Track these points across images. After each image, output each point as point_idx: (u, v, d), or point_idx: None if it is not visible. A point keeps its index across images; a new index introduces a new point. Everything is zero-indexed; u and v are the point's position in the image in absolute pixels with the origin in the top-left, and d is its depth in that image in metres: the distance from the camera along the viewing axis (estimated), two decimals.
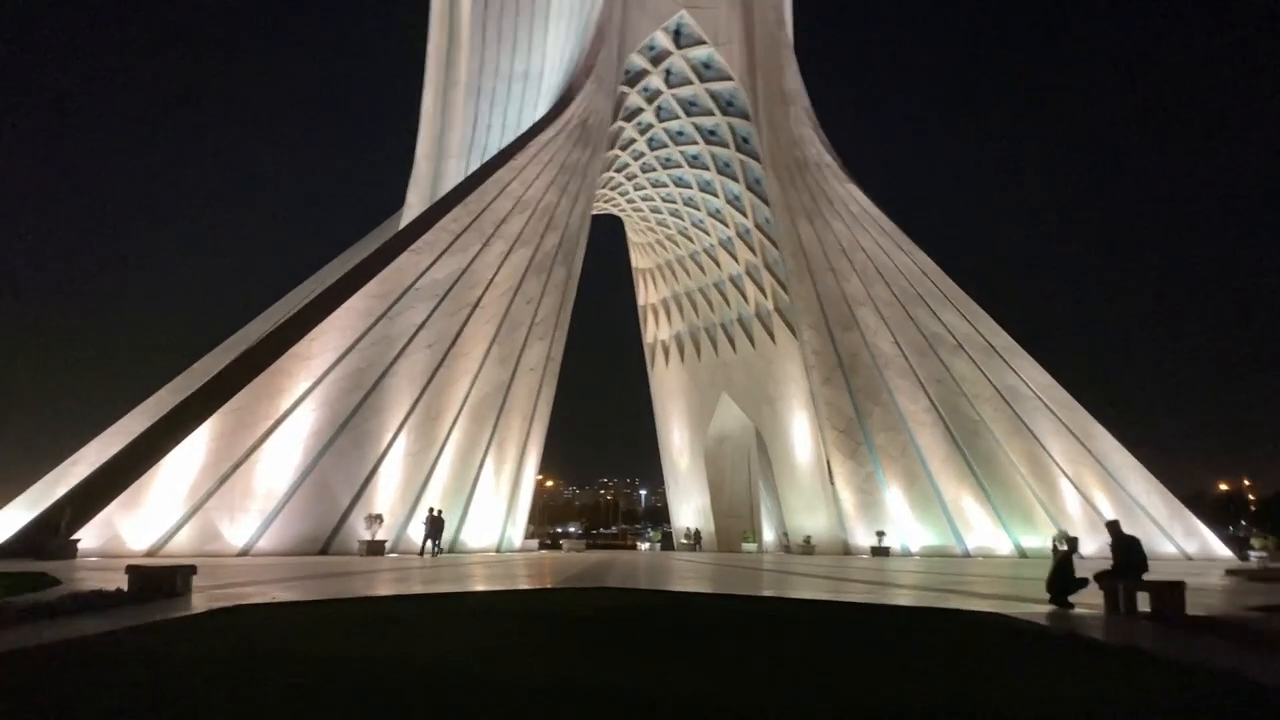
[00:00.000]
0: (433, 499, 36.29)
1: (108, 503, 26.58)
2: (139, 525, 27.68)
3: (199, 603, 11.75)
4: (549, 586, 15.05)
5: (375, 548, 32.21)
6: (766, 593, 15.19)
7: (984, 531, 49.95)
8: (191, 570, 13.37)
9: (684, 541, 61.51)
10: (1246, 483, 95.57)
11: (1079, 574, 13.13)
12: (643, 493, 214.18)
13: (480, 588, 14.92)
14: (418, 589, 14.33)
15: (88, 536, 25.96)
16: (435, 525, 32.54)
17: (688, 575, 20.84)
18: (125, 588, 12.33)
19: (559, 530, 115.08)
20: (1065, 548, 13.65)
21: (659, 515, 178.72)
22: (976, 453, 51.09)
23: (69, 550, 24.45)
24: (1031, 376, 53.21)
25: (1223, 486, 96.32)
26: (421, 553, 32.19)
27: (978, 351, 52.95)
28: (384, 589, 14.34)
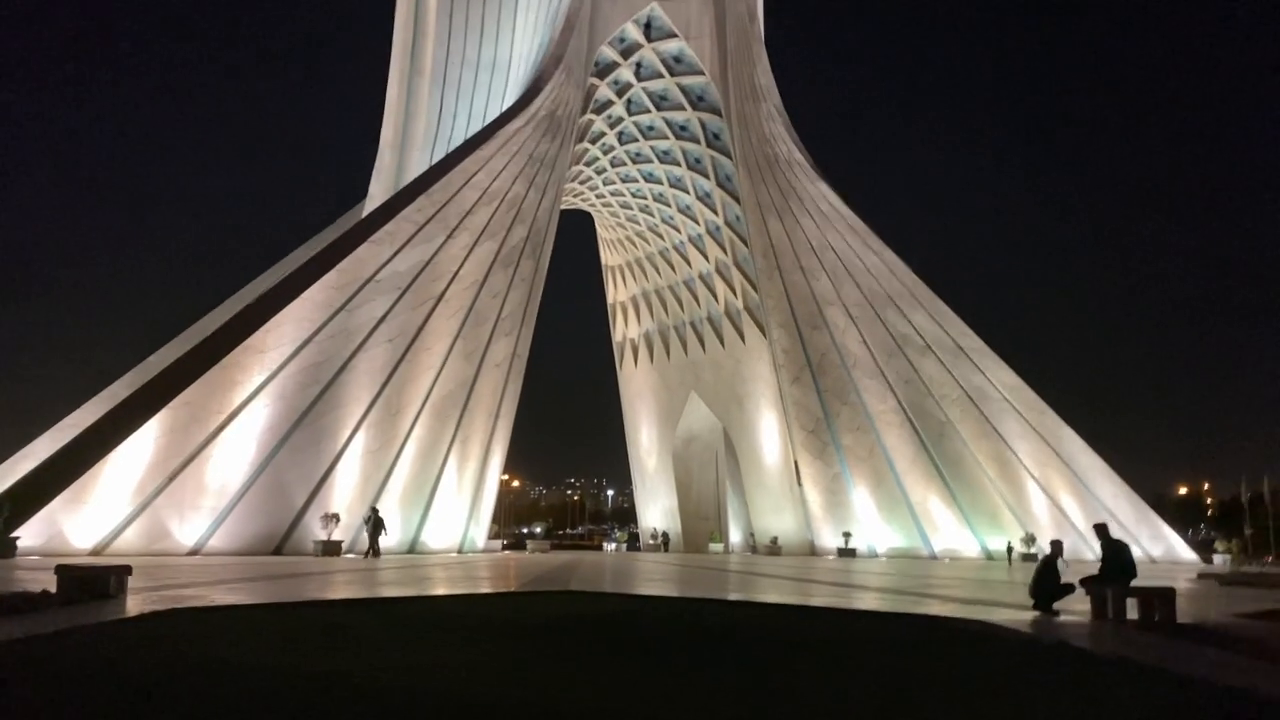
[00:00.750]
0: (393, 498, 35.29)
1: (50, 499, 25.40)
2: (84, 523, 26.52)
3: (132, 606, 10.90)
4: (509, 590, 14.31)
5: (331, 548, 31.18)
6: (733, 596, 14.56)
7: (950, 533, 49.77)
8: (126, 570, 12.47)
9: (650, 542, 60.88)
10: (1206, 486, 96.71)
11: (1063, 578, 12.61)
12: (610, 493, 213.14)
13: (436, 591, 14.15)
14: (367, 593, 13.53)
15: (29, 534, 24.78)
16: (375, 525, 31.00)
17: (653, 577, 20.17)
18: (54, 589, 11.43)
19: (524, 531, 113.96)
20: (1050, 551, 12.99)
21: (626, 516, 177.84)
22: (944, 454, 50.90)
23: (7, 549, 23.30)
24: (999, 378, 53.12)
25: (1182, 490, 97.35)
26: (366, 554, 30.71)
27: (946, 353, 52.77)
28: (332, 592, 13.53)
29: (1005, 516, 50.05)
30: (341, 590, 13.88)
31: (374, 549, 30.52)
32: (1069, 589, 12.39)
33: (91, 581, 11.96)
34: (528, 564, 27.83)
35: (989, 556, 48.47)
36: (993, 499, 50.65)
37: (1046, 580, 12.58)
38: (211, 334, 32.91)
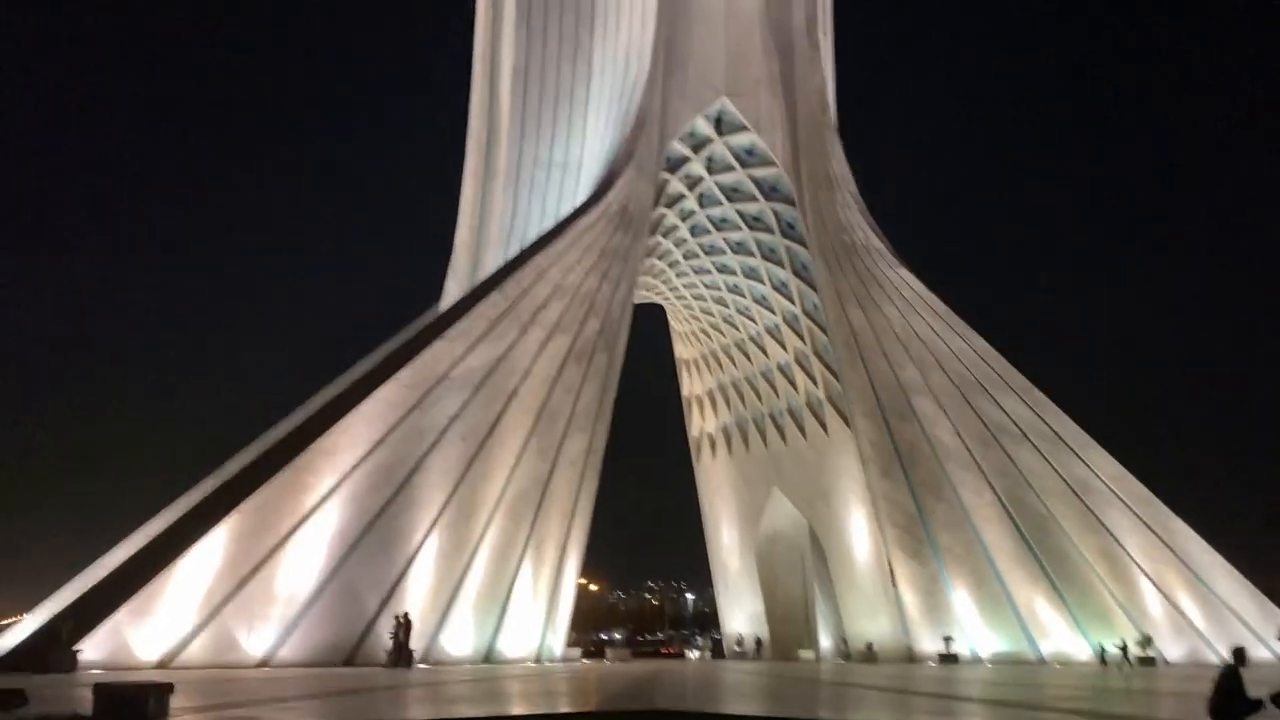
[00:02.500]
0: (466, 603, 33.80)
1: (113, 611, 24.56)
2: (150, 634, 25.59)
3: None
4: (592, 710, 12.62)
5: (404, 658, 29.69)
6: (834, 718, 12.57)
7: (1059, 636, 46.14)
8: (168, 689, 11.16)
9: (736, 649, 57.82)
10: None
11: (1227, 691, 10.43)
12: (690, 596, 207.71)
13: (513, 711, 12.52)
14: (438, 713, 11.97)
15: (94, 648, 23.93)
16: (406, 631, 29.09)
17: (744, 692, 18.18)
18: (90, 709, 10.18)
19: (602, 637, 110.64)
20: (1231, 660, 10.74)
21: (707, 620, 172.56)
22: (1048, 550, 47.62)
23: (69, 662, 22.40)
24: (1102, 468, 49.91)
25: None
26: (395, 664, 28.43)
27: (1044, 441, 49.91)
28: (401, 713, 12.01)
29: (1117, 617, 46.28)
30: (413, 710, 12.36)
31: (404, 658, 28.63)
32: (1256, 706, 10.25)
33: (128, 702, 10.67)
34: (608, 675, 25.90)
35: (1103, 660, 44.66)
36: (1103, 598, 46.97)
37: (1232, 696, 10.44)
38: (284, 436, 32.41)
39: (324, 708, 12.66)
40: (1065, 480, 49.05)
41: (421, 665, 30.20)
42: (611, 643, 57.11)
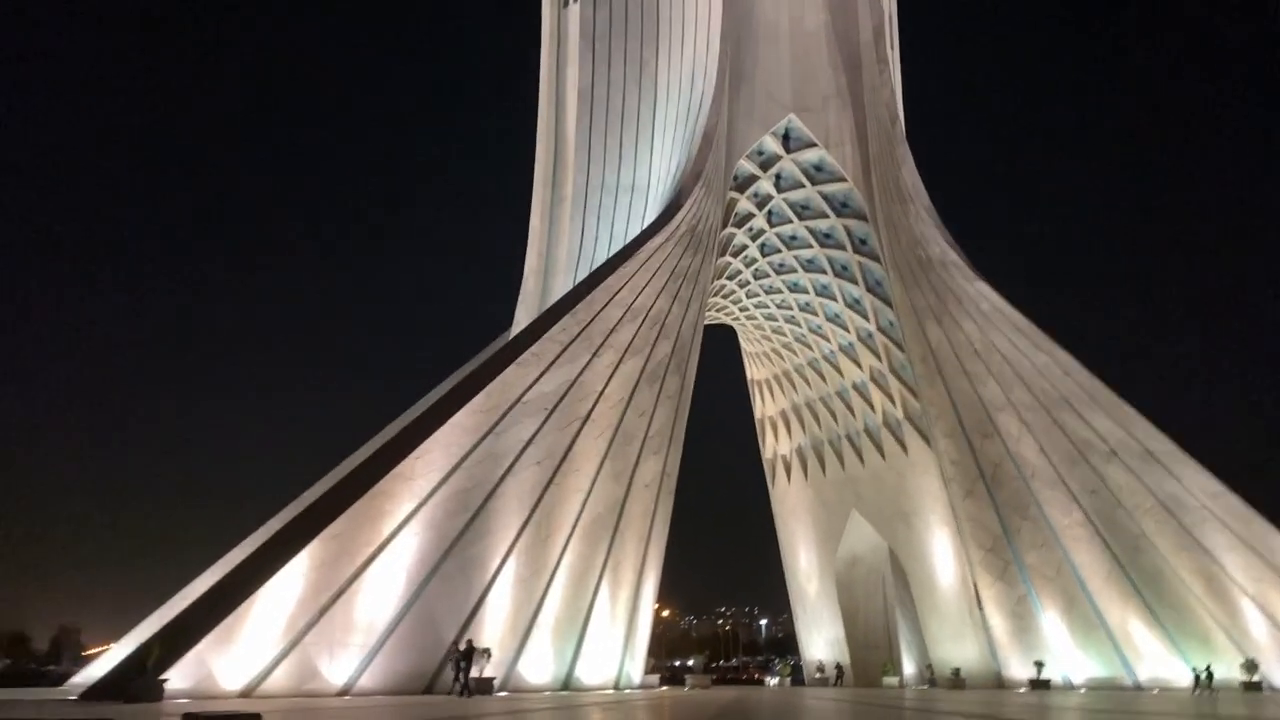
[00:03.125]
0: (545, 630, 33.44)
1: (198, 640, 24.69)
2: (233, 663, 25.67)
3: None
4: None
5: (484, 686, 29.39)
6: None
7: (1156, 660, 44.07)
8: (255, 719, 10.97)
9: (816, 675, 56.45)
10: None
11: None
12: (763, 622, 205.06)
13: None
14: None
15: (179, 676, 24.03)
16: (468, 658, 28.06)
17: None
18: None
19: (677, 664, 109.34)
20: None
21: (782, 646, 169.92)
22: (1141, 571, 45.61)
23: (156, 691, 22.52)
24: (1198, 484, 47.54)
25: None
26: (461, 692, 27.49)
27: (1134, 458, 47.84)
28: None
29: (1218, 639, 44.09)
30: None
31: (467, 686, 27.69)
32: None
33: None
34: (691, 704, 25.23)
35: (1207, 686, 42.45)
36: (1202, 620, 44.80)
37: None
38: (361, 464, 32.53)
39: None
40: (1157, 498, 46.99)
41: (501, 694, 29.87)
42: (689, 670, 56.04)
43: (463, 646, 28.45)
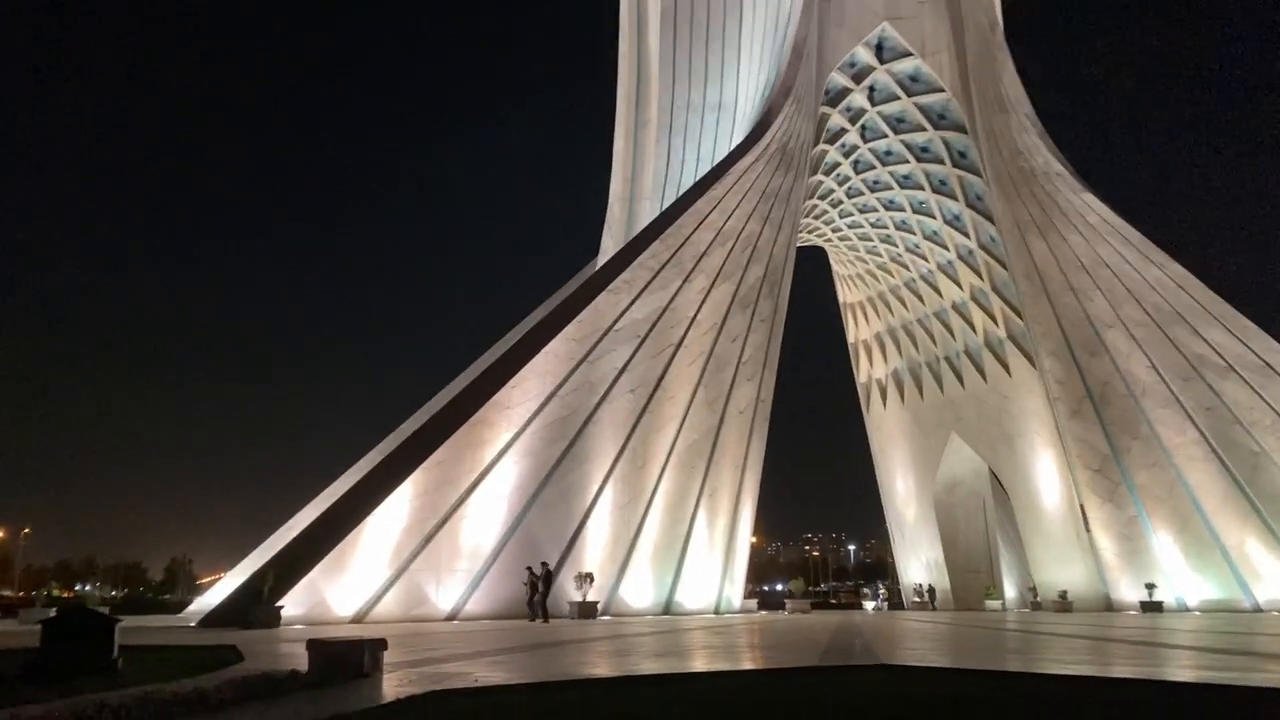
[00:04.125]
0: (644, 555, 33.58)
1: (310, 568, 25.34)
2: (344, 591, 26.35)
3: (388, 687, 9.21)
4: (815, 665, 11.66)
5: (587, 609, 29.72)
6: (1117, 670, 11.13)
7: (1276, 581, 42.32)
8: (382, 645, 10.89)
9: (915, 600, 55.93)
10: None
11: None
12: (851, 548, 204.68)
13: (726, 666, 11.74)
14: (652, 667, 11.31)
15: (293, 603, 24.75)
16: (546, 582, 28.01)
17: (965, 644, 16.86)
18: (304, 667, 9.97)
19: (771, 589, 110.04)
20: None
21: (870, 572, 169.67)
22: (1260, 490, 43.63)
23: (273, 618, 23.20)
24: None
25: None
26: (535, 617, 27.56)
27: (1253, 373, 45.46)
28: (608, 667, 11.41)
29: None
30: (619, 663, 11.76)
31: (544, 612, 27.61)
32: None
33: (344, 659, 10.43)
34: (798, 627, 24.98)
35: None
36: None
37: None
38: (460, 392, 32.74)
39: (530, 663, 12.22)
40: (1278, 413, 44.72)
41: (604, 617, 30.15)
42: (781, 594, 55.77)
43: (539, 571, 28.38)
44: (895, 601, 62.60)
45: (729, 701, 8.36)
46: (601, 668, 11.33)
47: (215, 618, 23.97)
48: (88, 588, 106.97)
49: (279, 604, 23.35)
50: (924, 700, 8.24)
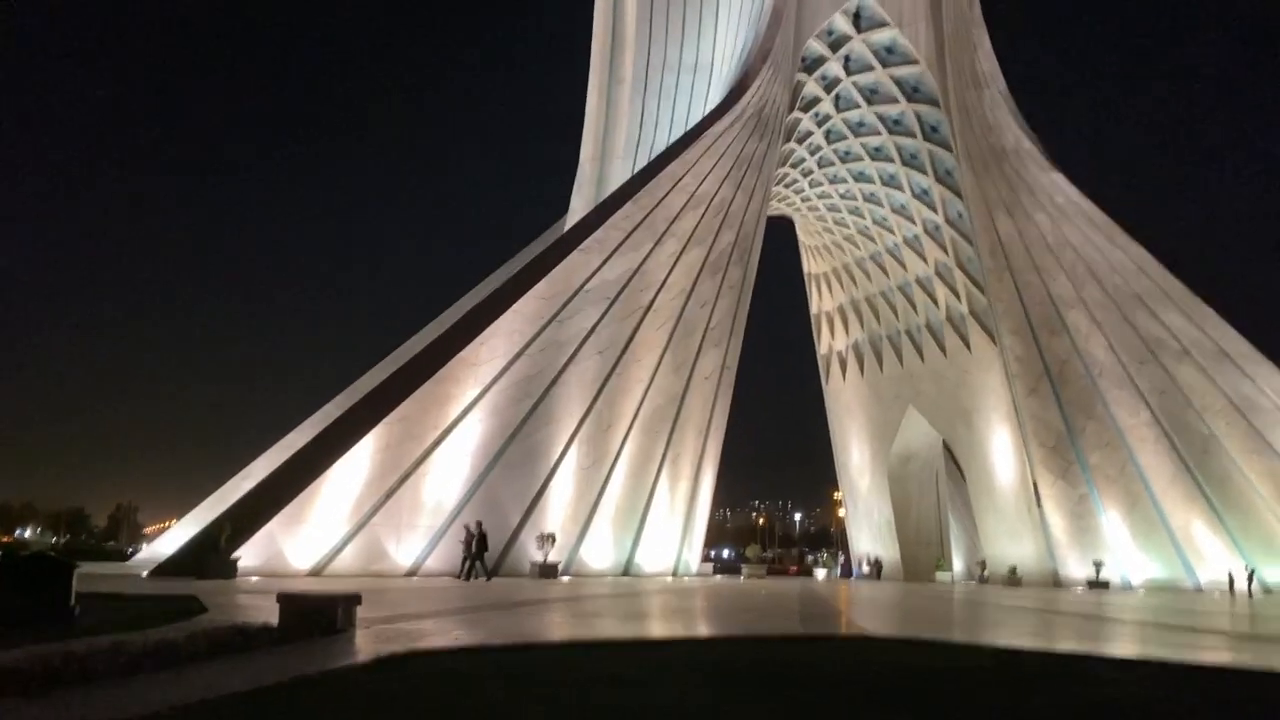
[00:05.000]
0: (605, 517, 33.46)
1: (268, 519, 24.77)
2: (302, 543, 25.84)
3: (364, 644, 8.88)
4: (792, 635, 11.53)
5: (548, 570, 29.51)
6: (1111, 649, 11.16)
7: (1218, 562, 43.53)
8: (355, 600, 10.56)
9: (865, 570, 56.64)
10: None
11: None
12: (797, 516, 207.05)
13: (713, 631, 11.57)
14: (635, 631, 11.10)
15: (249, 555, 24.21)
16: (481, 542, 26.43)
17: (927, 615, 16.96)
18: (275, 621, 9.58)
19: (713, 554, 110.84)
20: None
21: (815, 540, 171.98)
22: (1208, 473, 44.74)
23: (229, 569, 22.65)
24: (1273, 385, 46.26)
25: None
26: (468, 576, 25.92)
27: (1207, 358, 46.43)
28: (589, 629, 11.18)
29: None
30: (596, 625, 11.54)
31: (482, 569, 26.18)
32: None
33: (317, 613, 10.07)
34: (762, 592, 25.04)
35: (1266, 590, 42.00)
36: (1267, 523, 44.18)
37: None
38: (426, 347, 32.12)
39: (504, 622, 11.95)
40: (1230, 398, 45.80)
41: (564, 578, 30.00)
42: (746, 560, 56.08)
43: (474, 530, 26.70)
44: (845, 570, 63.34)
45: (727, 667, 8.17)
46: (583, 630, 11.10)
47: (168, 567, 23.34)
48: (27, 533, 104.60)
49: (235, 555, 22.79)
50: (919, 669, 8.12)
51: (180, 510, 38.58)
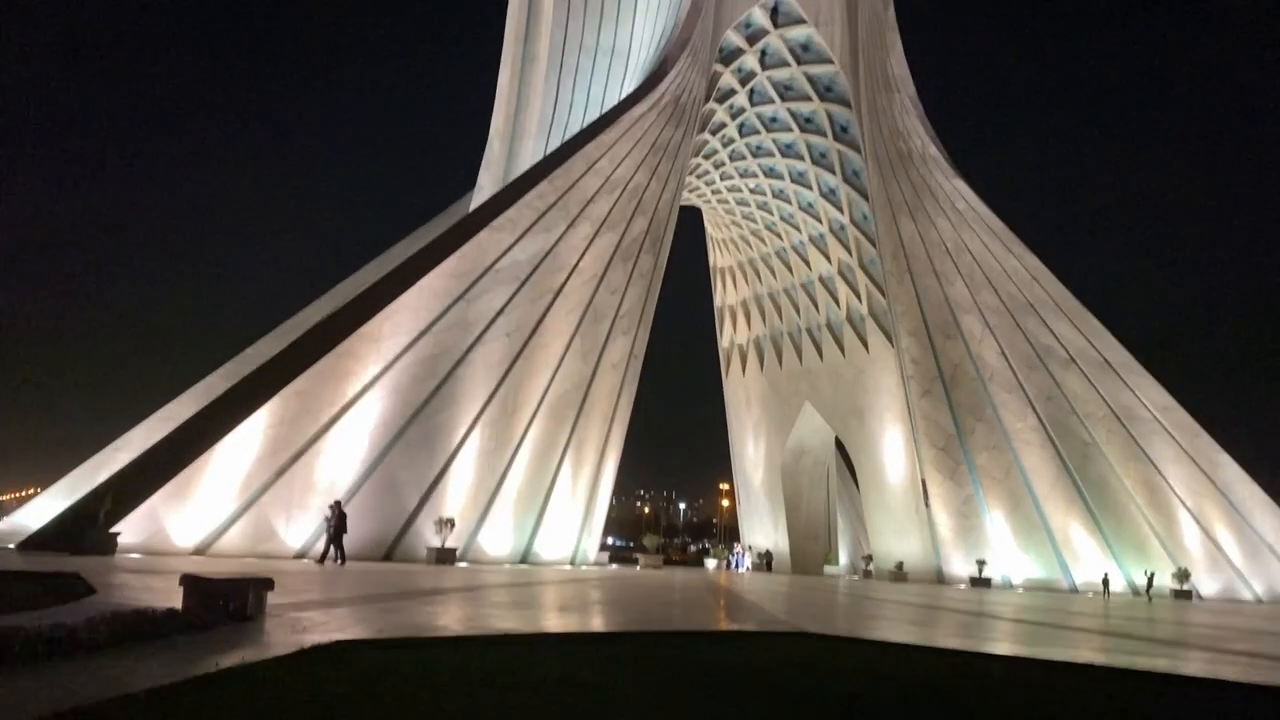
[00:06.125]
0: (507, 503, 32.61)
1: (152, 492, 23.11)
2: (187, 519, 24.21)
3: (279, 632, 8.09)
4: (728, 630, 11.16)
5: (445, 556, 28.57)
6: (1040, 651, 11.15)
7: (1093, 564, 45.49)
8: (267, 585, 9.70)
9: (756, 561, 57.22)
10: None
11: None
12: (682, 505, 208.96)
13: (648, 627, 11.07)
14: (564, 623, 10.49)
15: (129, 530, 22.54)
16: (340, 524, 24.55)
17: (857, 612, 16.90)
18: (179, 606, 8.64)
19: (618, 545, 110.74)
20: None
21: (699, 530, 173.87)
22: (1088, 478, 46.68)
23: (108, 545, 21.05)
24: (1150, 396, 48.59)
25: None
26: (326, 559, 24.19)
27: (1092, 367, 48.47)
28: (517, 620, 10.53)
29: (1154, 548, 45.66)
30: (526, 617, 10.89)
31: (339, 553, 24.38)
32: None
33: (225, 598, 9.16)
34: (672, 583, 24.73)
35: (1135, 592, 44.13)
36: (1141, 529, 46.27)
37: None
38: (327, 318, 30.57)
39: (428, 609, 11.21)
40: (1111, 407, 47.86)
41: (462, 564, 29.09)
42: (643, 550, 55.60)
43: (331, 512, 24.83)
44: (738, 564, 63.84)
45: (672, 664, 7.67)
46: (511, 621, 10.44)
47: (40, 540, 21.50)
48: None
49: (115, 530, 21.15)
50: (892, 677, 7.82)
51: (39, 480, 35.83)
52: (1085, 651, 10.71)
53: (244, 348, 38.95)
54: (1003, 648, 10.66)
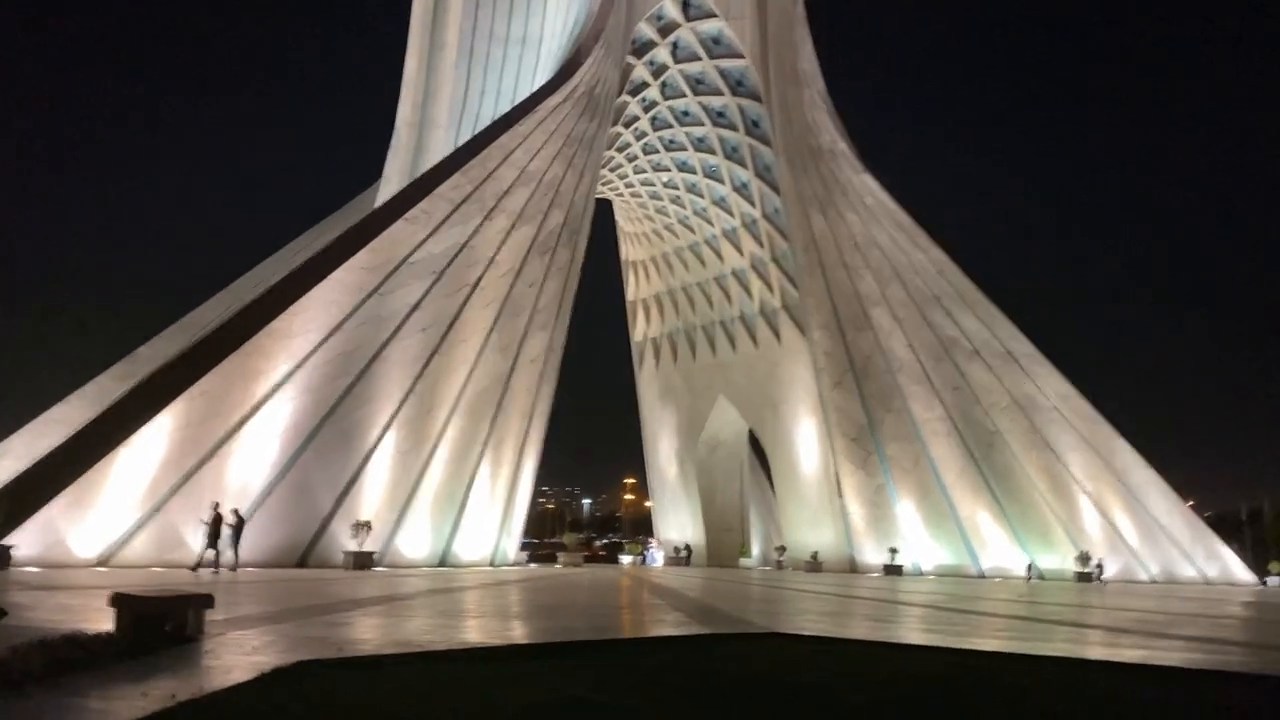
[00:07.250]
0: (424, 504, 31.67)
1: (47, 501, 21.50)
2: (87, 529, 22.65)
3: (228, 655, 7.28)
4: (698, 633, 10.78)
5: (363, 560, 27.51)
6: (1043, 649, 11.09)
7: (999, 550, 46.92)
8: (207, 601, 8.84)
9: (673, 555, 57.27)
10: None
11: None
12: (586, 502, 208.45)
13: (632, 633, 10.60)
14: (528, 633, 9.95)
15: (24, 542, 20.96)
16: (238, 528, 23.51)
17: (800, 608, 16.76)
18: (111, 628, 7.77)
19: (540, 541, 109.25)
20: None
21: (603, 525, 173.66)
22: (993, 466, 48.08)
23: (3, 558, 19.49)
24: (1051, 386, 50.30)
25: (1244, 507, 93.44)
26: (197, 566, 22.59)
27: (995, 358, 49.91)
28: (478, 633, 9.93)
29: (1057, 533, 47.30)
30: (484, 625, 10.30)
31: (229, 557, 23.27)
32: None
33: (163, 618, 8.31)
34: (607, 583, 24.27)
35: (1041, 576, 45.70)
36: (1044, 515, 47.89)
37: None
38: (234, 315, 29.04)
39: (383, 622, 10.49)
40: (1013, 397, 49.31)
41: (379, 569, 28.06)
42: (563, 548, 54.90)
43: (225, 513, 23.44)
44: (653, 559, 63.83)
45: (664, 675, 7.24)
46: (474, 632, 9.84)
47: None
48: None
49: (8, 542, 19.59)
50: (893, 678, 7.54)
51: None
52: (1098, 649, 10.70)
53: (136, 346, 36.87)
54: (991, 644, 10.56)
